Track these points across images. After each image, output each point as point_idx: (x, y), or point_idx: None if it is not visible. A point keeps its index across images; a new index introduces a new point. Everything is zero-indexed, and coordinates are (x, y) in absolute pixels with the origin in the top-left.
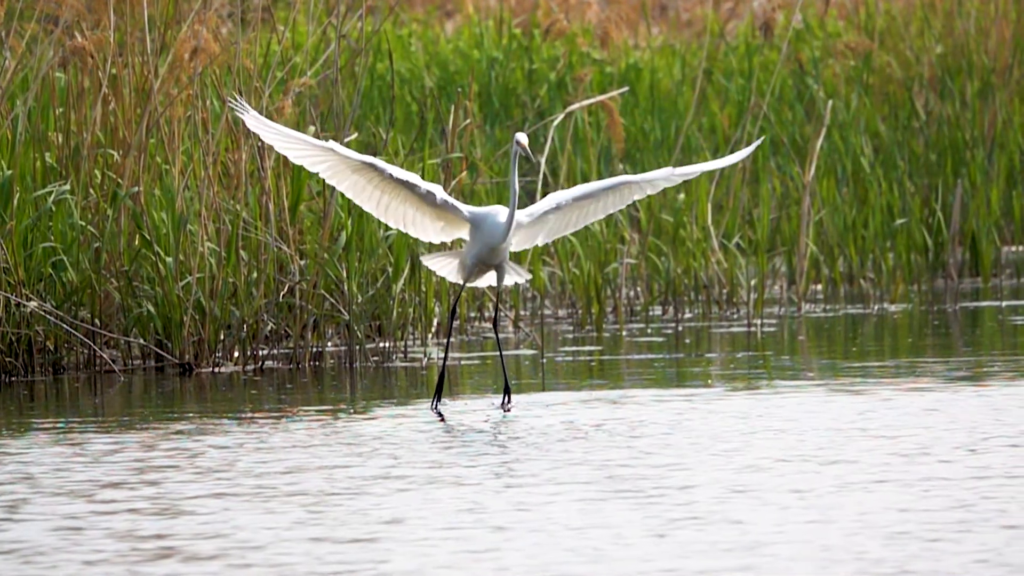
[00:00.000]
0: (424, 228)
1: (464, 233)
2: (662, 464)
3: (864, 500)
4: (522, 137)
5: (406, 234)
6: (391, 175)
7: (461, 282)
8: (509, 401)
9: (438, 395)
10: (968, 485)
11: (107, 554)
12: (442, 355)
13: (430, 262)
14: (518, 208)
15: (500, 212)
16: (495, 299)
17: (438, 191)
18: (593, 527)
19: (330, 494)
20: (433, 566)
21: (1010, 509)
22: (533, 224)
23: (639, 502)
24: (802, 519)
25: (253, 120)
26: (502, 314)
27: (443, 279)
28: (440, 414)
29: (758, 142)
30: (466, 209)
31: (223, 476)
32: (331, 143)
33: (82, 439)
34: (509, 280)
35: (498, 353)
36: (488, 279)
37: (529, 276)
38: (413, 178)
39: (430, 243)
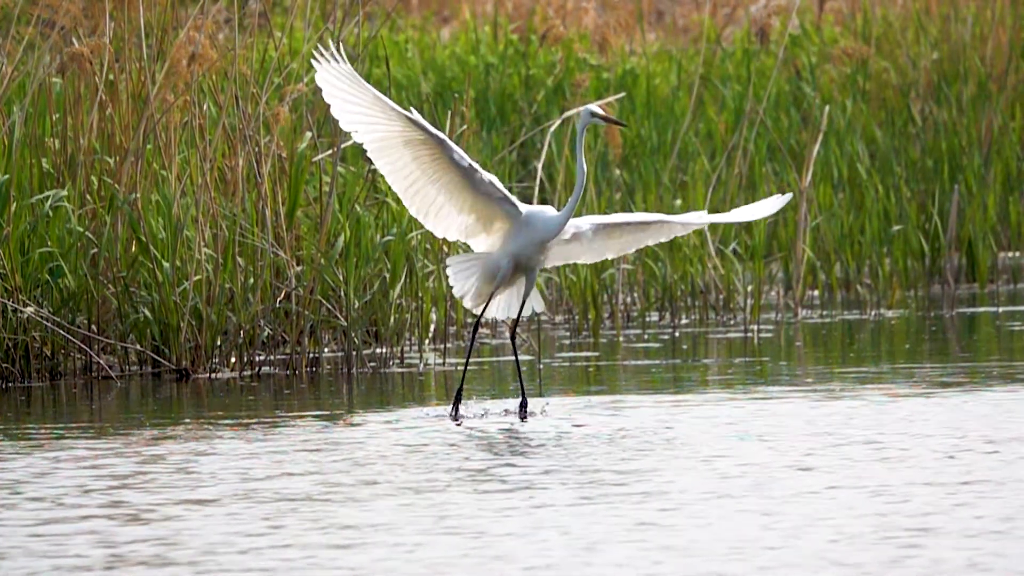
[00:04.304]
0: (447, 221)
1: (485, 237)
2: (642, 469)
3: (842, 505)
4: (596, 108)
5: (404, 239)
6: (453, 157)
7: (478, 302)
8: (525, 412)
9: (456, 404)
10: (948, 490)
11: (78, 560)
12: (440, 360)
13: (456, 266)
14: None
15: (549, 209)
16: (518, 310)
17: (497, 183)
18: (566, 533)
19: (307, 499)
20: (402, 573)
21: (988, 515)
22: (571, 241)
23: (615, 508)
24: (777, 525)
25: (332, 70)
26: (497, 321)
27: (440, 285)
28: (456, 419)
29: (787, 197)
30: (522, 206)
31: (201, 482)
32: (412, 111)
33: (68, 444)
34: (528, 307)
35: (515, 362)
36: (508, 302)
37: (544, 308)
38: (474, 165)
39: (448, 245)
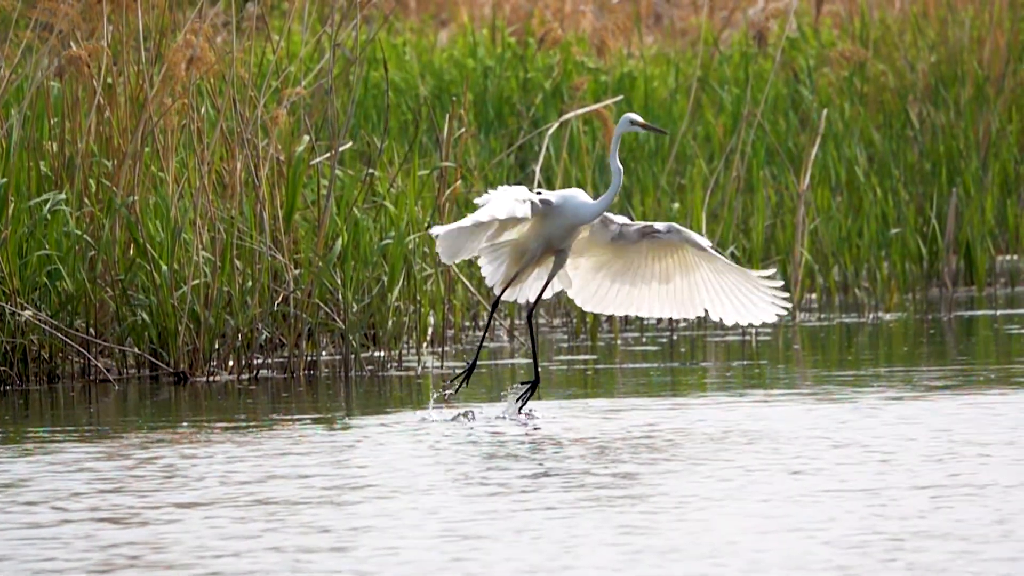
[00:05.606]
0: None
1: (507, 235)
2: (630, 473)
3: (825, 509)
4: (635, 116)
5: (402, 243)
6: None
7: (504, 283)
8: (528, 398)
9: (466, 379)
10: (932, 494)
11: (68, 562)
12: (438, 363)
13: (488, 255)
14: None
15: (580, 193)
16: (541, 289)
17: (531, 195)
18: (549, 537)
19: (299, 503)
20: None
21: (970, 519)
22: (595, 241)
23: (600, 511)
24: (760, 528)
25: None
26: (496, 323)
27: (438, 289)
28: (439, 409)
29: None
30: (553, 196)
31: (192, 485)
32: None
33: (62, 448)
34: (558, 284)
35: (531, 342)
36: (532, 283)
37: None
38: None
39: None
